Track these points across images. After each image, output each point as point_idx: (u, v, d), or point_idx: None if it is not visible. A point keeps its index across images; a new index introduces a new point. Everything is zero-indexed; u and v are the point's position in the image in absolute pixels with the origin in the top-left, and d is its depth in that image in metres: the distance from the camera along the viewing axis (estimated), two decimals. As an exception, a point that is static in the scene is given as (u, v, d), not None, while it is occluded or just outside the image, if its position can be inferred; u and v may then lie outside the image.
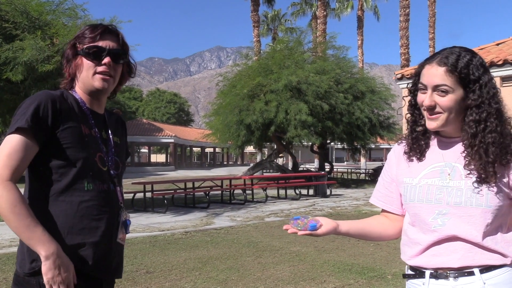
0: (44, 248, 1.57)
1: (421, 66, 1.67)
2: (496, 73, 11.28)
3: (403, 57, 34.37)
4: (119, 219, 1.87)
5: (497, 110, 1.58)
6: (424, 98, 1.62)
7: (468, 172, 1.59)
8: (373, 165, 38.31)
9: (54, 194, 1.70)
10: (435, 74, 1.59)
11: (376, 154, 56.69)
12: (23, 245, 1.69)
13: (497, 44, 12.93)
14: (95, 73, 1.80)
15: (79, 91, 1.85)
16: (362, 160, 42.95)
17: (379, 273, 5.85)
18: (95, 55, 1.79)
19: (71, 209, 1.70)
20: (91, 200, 1.74)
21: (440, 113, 1.60)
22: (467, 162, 1.60)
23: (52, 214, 1.68)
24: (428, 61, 1.64)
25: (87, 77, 1.80)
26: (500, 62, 11.16)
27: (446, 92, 1.58)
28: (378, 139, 24.77)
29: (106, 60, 1.80)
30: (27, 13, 10.55)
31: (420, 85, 1.65)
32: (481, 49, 12.97)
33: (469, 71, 1.56)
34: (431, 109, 1.61)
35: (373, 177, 27.27)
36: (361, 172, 32.79)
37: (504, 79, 11.33)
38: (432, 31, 37.56)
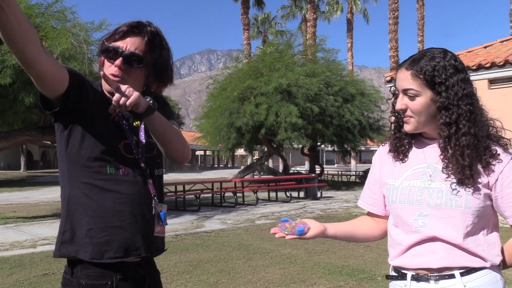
0: None
1: (397, 70, 1.69)
2: (484, 76, 11.39)
3: (393, 59, 34.56)
4: (152, 211, 1.82)
5: (469, 111, 1.57)
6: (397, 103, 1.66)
7: (447, 175, 1.60)
8: (364, 167, 38.46)
9: (78, 175, 1.72)
10: (403, 78, 1.62)
11: (366, 156, 56.92)
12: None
13: (485, 47, 13.05)
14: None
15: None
16: (353, 162, 43.03)
17: (369, 275, 5.88)
18: (109, 55, 1.77)
19: (94, 190, 1.71)
20: (113, 185, 1.73)
21: (411, 116, 1.63)
22: (444, 165, 1.61)
23: (77, 193, 1.72)
24: (400, 65, 1.67)
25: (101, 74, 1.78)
26: (488, 65, 11.27)
27: (414, 96, 1.60)
28: (368, 141, 24.88)
29: (118, 62, 1.75)
30: (15, 16, 10.48)
31: (395, 89, 1.69)
32: (469, 51, 13.09)
33: (434, 73, 1.57)
34: (403, 112, 1.64)
35: (363, 179, 27.35)
36: (352, 174, 32.89)
37: (492, 81, 11.44)
38: (421, 34, 37.79)
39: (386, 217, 1.83)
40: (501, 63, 11.08)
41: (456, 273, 1.59)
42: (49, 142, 51.50)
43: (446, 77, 1.57)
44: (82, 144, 1.74)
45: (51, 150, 66.55)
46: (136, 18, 1.89)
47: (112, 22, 12.73)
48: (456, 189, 1.58)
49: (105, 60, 1.78)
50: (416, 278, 1.65)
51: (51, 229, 9.94)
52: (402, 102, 1.63)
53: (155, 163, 1.91)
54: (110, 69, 1.76)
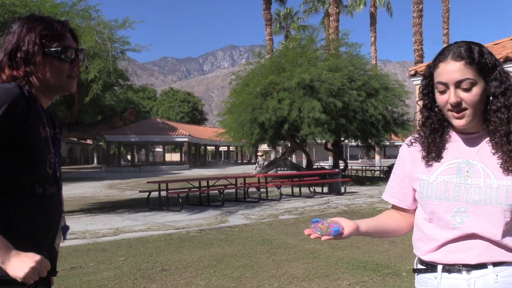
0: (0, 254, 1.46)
1: (433, 66, 1.62)
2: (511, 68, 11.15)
3: (417, 53, 34.13)
4: (59, 224, 1.76)
5: None
6: (447, 97, 1.56)
7: (489, 160, 1.57)
8: (388, 162, 38.07)
9: (4, 198, 1.57)
10: (454, 69, 1.53)
11: (390, 151, 56.34)
12: None
13: (512, 39, 12.77)
14: (69, 75, 1.73)
15: (28, 86, 1.68)
16: (377, 157, 42.68)
17: (393, 270, 5.84)
18: (68, 56, 1.71)
19: (22, 214, 1.60)
20: (41, 204, 1.65)
21: (465, 109, 1.55)
22: (495, 151, 1.58)
23: (2, 219, 1.56)
24: (439, 59, 1.59)
25: (58, 79, 1.70)
26: (516, 57, 11.03)
27: (470, 86, 1.53)
28: (393, 136, 24.69)
29: (79, 61, 1.75)
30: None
31: (438, 85, 1.59)
32: (496, 44, 12.84)
33: (485, 59, 1.53)
34: (457, 106, 1.56)
35: (388, 174, 27.09)
36: (376, 169, 32.61)
37: (520, 74, 11.20)
38: (446, 27, 37.19)
39: (412, 211, 1.81)
40: (529, 55, 10.83)
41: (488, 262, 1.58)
42: (75, 139, 52.38)
43: (495, 62, 1.55)
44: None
45: (77, 147, 67.77)
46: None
47: (135, 20, 12.85)
48: (495, 185, 1.55)
49: (56, 61, 1.69)
50: (448, 269, 1.62)
51: (78, 224, 10.13)
52: (456, 95, 1.55)
53: None
54: (72, 70, 1.75)
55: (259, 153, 30.03)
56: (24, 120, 1.58)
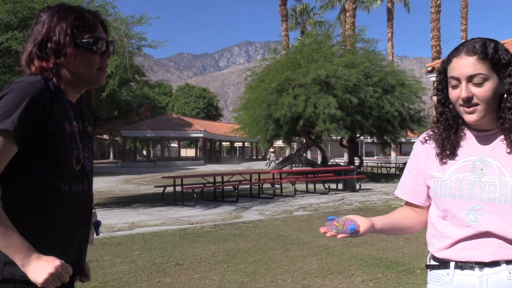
0: (20, 256, 1.43)
1: (447, 61, 1.62)
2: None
3: (434, 49, 33.71)
4: (90, 220, 1.73)
5: None
6: (459, 92, 1.56)
7: (504, 158, 1.57)
8: (404, 159, 37.84)
9: (29, 198, 1.53)
10: (466, 64, 1.54)
11: (406, 148, 55.94)
12: None
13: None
14: (99, 68, 1.67)
15: (56, 79, 1.63)
16: (393, 154, 42.44)
17: (407, 267, 5.82)
18: (99, 48, 1.65)
19: (48, 214, 1.55)
20: (67, 202, 1.60)
21: (477, 104, 1.55)
22: (509, 150, 1.57)
23: (28, 221, 1.52)
24: (453, 54, 1.59)
25: (89, 71, 1.64)
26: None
27: (482, 81, 1.53)
28: (409, 133, 24.46)
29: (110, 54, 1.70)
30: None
31: (451, 80, 1.59)
32: (515, 40, 12.66)
33: (499, 55, 1.53)
34: (468, 101, 1.55)
35: (403, 171, 26.92)
36: (392, 166, 32.43)
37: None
38: (465, 23, 36.71)
39: (426, 208, 1.81)
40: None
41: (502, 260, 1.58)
42: (97, 135, 52.77)
43: (510, 58, 1.54)
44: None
45: (94, 142, 68.25)
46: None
47: (152, 16, 12.94)
48: (510, 183, 1.55)
49: (88, 53, 1.63)
50: (460, 266, 1.62)
51: (98, 217, 10.22)
52: (467, 90, 1.55)
53: None
54: (103, 63, 1.70)
55: (270, 149, 30.11)
56: (47, 115, 1.51)
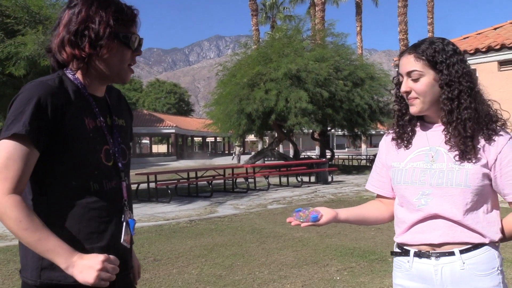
0: (62, 259, 1.39)
1: (399, 58, 1.82)
2: (494, 58, 11.37)
3: (402, 42, 34.25)
4: (121, 219, 1.62)
5: (469, 87, 1.69)
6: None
7: (449, 147, 1.71)
8: (374, 151, 38.41)
9: (57, 199, 1.49)
10: (406, 62, 1.74)
11: (376, 140, 56.79)
12: (26, 249, 1.48)
13: (495, 29, 12.99)
14: (129, 64, 1.63)
15: (79, 74, 1.58)
16: (363, 146, 43.06)
17: (380, 256, 6.01)
18: (133, 43, 1.59)
19: (76, 214, 1.50)
20: (98, 201, 1.53)
21: (416, 98, 1.73)
22: (447, 138, 1.72)
23: (56, 221, 1.47)
24: (402, 53, 1.79)
25: (120, 66, 1.59)
26: (498, 47, 11.24)
27: (418, 77, 1.71)
28: (379, 125, 24.84)
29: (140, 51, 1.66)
30: (27, 8, 10.63)
31: (399, 76, 1.80)
32: (479, 33, 13.03)
33: (435, 54, 1.69)
34: (408, 95, 1.75)
35: (373, 163, 27.34)
36: (362, 158, 32.92)
37: (502, 63, 11.42)
38: (431, 16, 37.45)
39: (394, 199, 1.93)
40: (511, 45, 11.05)
41: (456, 250, 1.70)
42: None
43: (446, 57, 1.69)
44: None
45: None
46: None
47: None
48: (456, 168, 1.69)
49: (121, 48, 1.57)
50: (418, 254, 1.76)
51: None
52: (406, 85, 1.74)
53: None
54: (134, 60, 1.66)
55: (236, 143, 30.43)
56: (61, 113, 1.46)
